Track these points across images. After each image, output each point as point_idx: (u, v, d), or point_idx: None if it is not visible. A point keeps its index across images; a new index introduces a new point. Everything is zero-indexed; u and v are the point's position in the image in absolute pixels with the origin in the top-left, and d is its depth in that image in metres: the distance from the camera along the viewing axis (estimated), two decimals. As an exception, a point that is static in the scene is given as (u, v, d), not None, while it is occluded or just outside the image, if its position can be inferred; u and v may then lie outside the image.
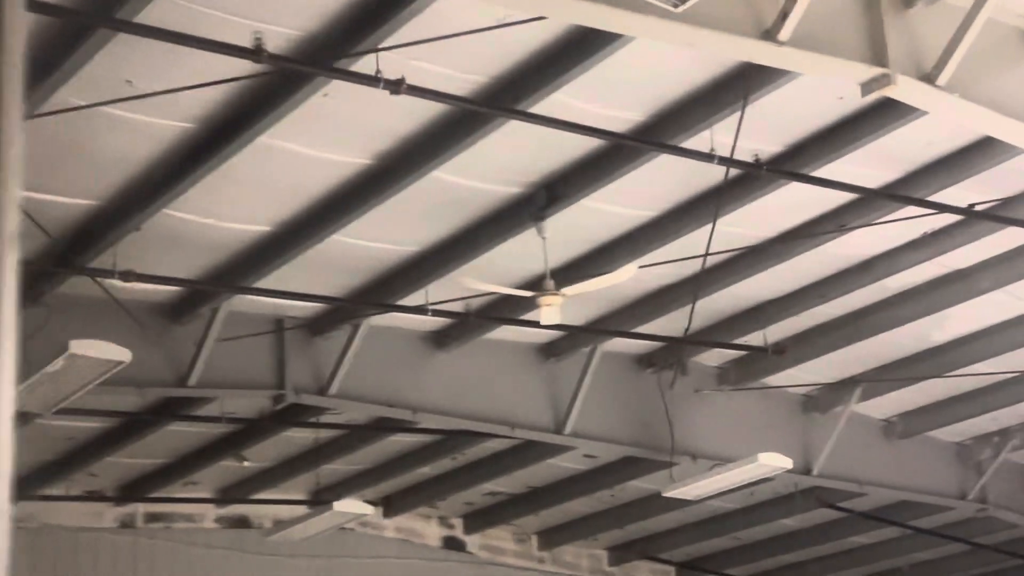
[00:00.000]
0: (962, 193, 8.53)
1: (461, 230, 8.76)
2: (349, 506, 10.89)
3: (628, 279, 8.22)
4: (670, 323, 10.22)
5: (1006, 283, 9.85)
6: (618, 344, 10.89)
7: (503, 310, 9.66)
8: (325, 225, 8.46)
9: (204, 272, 8.99)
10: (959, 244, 9.37)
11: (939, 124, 7.85)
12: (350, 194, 8.19)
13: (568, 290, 8.18)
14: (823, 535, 14.69)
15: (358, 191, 8.15)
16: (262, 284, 8.96)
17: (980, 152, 8.21)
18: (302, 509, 12.78)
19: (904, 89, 6.45)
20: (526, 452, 12.51)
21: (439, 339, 10.40)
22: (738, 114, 7.42)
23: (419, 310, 8.99)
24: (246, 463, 12.09)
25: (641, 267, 8.40)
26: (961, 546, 14.43)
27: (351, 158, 7.89)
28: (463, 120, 7.50)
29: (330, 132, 7.64)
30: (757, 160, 7.76)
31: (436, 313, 9.11)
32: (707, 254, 8.82)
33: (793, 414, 11.83)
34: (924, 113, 7.57)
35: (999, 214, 8.71)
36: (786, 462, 10.33)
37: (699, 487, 10.55)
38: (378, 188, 8.07)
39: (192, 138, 7.50)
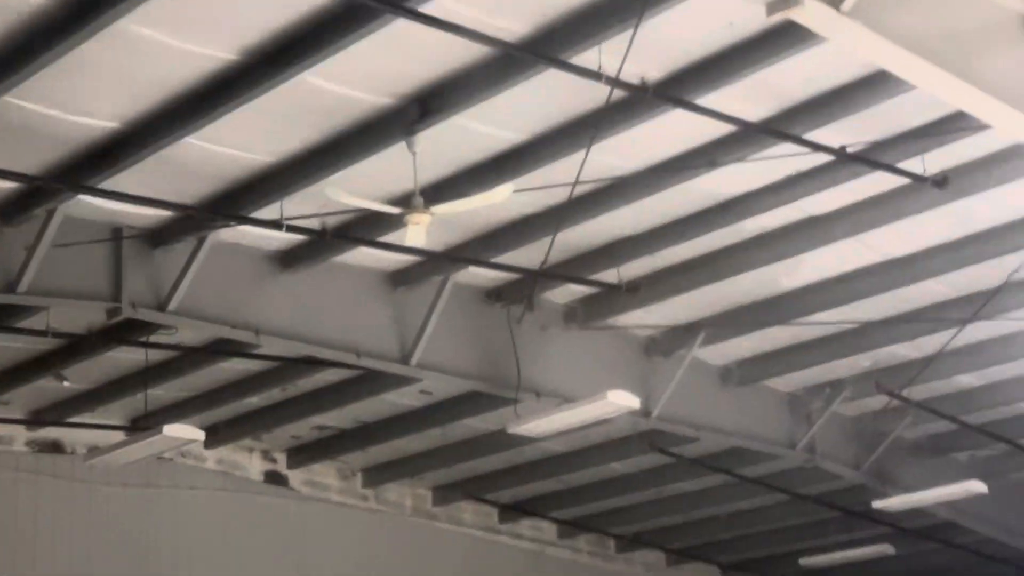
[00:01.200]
0: (834, 135, 8.47)
1: (325, 141, 8.31)
2: (179, 431, 10.36)
3: (501, 201, 7.93)
4: (523, 256, 9.97)
5: (860, 231, 9.87)
6: (468, 276, 10.60)
7: (360, 231, 9.25)
8: (179, 126, 7.90)
9: (42, 169, 8.32)
10: (820, 188, 9.33)
11: (821, 59, 7.74)
12: (210, 93, 7.65)
13: (438, 209, 7.84)
14: (649, 480, 14.75)
15: (219, 90, 7.62)
16: (104, 187, 8.35)
17: (857, 92, 8.12)
18: (119, 435, 12.19)
19: (810, 12, 6.26)
20: (360, 385, 12.15)
21: (287, 259, 9.92)
22: (623, 35, 7.16)
23: (274, 225, 8.51)
24: (66, 383, 11.42)
25: (516, 191, 8.09)
26: (782, 496, 14.66)
27: (216, 52, 7.35)
28: (339, 18, 7.05)
29: (197, 21, 7.10)
30: (643, 83, 7.52)
31: (291, 229, 8.64)
32: (576, 183, 8.57)
33: (636, 356, 11.74)
34: (808, 46, 7.46)
35: (870, 158, 8.67)
36: (633, 401, 10.23)
37: (545, 424, 10.36)
38: (241, 88, 7.55)
39: (43, 16, 6.86)
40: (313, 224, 8.89)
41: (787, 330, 11.60)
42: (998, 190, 9.08)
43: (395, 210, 7.91)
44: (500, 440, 13.01)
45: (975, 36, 6.77)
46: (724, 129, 8.46)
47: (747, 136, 8.50)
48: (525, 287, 10.57)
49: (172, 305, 9.38)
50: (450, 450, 13.93)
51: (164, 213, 9.11)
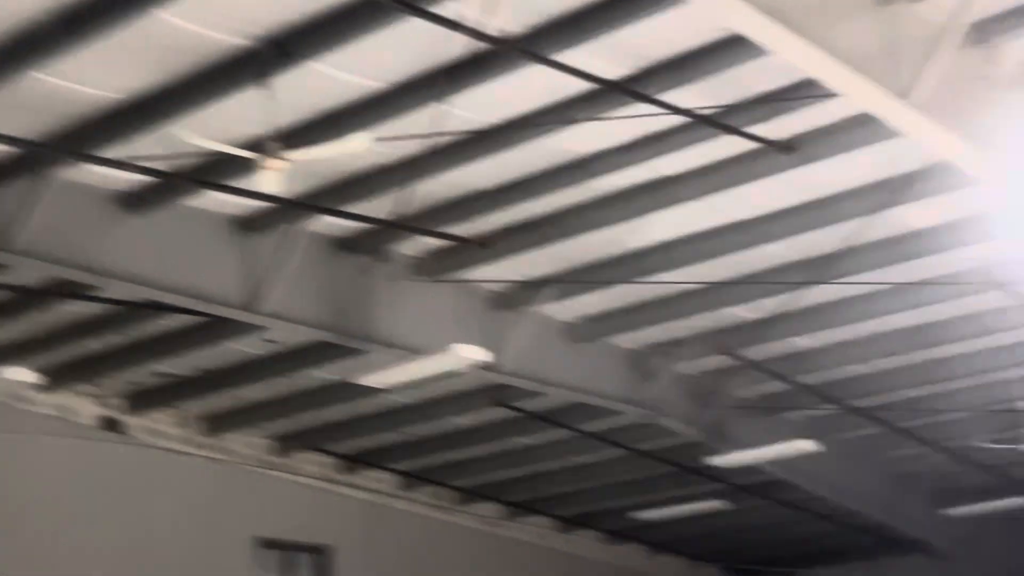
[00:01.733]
0: (688, 97, 8.59)
1: (178, 80, 8.12)
2: (14, 374, 10.11)
3: (359, 150, 7.86)
4: (376, 207, 9.91)
5: (708, 193, 10.05)
6: (320, 225, 10.50)
7: (211, 175, 9.08)
8: (23, 58, 7.65)
9: None
10: (672, 149, 9.47)
11: (680, 21, 7.83)
12: (59, 25, 7.41)
13: (294, 155, 7.74)
14: (491, 434, 14.86)
15: (68, 23, 7.39)
16: (-58, 119, 8.05)
17: (712, 56, 8.25)
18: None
19: (672, -26, 6.36)
20: (203, 332, 11.96)
21: (132, 201, 9.69)
22: (486, -13, 7.16)
23: (121, 165, 8.30)
24: None
25: (376, 140, 8.02)
26: (621, 451, 14.93)
27: (67, -17, 7.14)
28: (197, -44, 6.91)
29: (48, -50, 6.88)
30: (504, 36, 7.52)
31: (139, 170, 8.44)
32: (433, 134, 8.55)
33: (484, 311, 11.80)
34: (668, 7, 7.55)
35: (721, 121, 8.82)
36: (480, 354, 10.28)
37: (392, 375, 10.37)
38: (92, 22, 7.34)
39: None
40: (162, 166, 8.70)
41: (632, 288, 11.78)
42: (842, 157, 9.33)
43: (250, 155, 7.78)
44: (344, 391, 12.97)
45: (829, 4, 6.96)
46: (581, 87, 8.52)
47: (603, 95, 8.57)
48: (377, 238, 10.52)
49: (11, 244, 9.10)
50: (293, 400, 13.83)
51: (5, 149, 8.81)
